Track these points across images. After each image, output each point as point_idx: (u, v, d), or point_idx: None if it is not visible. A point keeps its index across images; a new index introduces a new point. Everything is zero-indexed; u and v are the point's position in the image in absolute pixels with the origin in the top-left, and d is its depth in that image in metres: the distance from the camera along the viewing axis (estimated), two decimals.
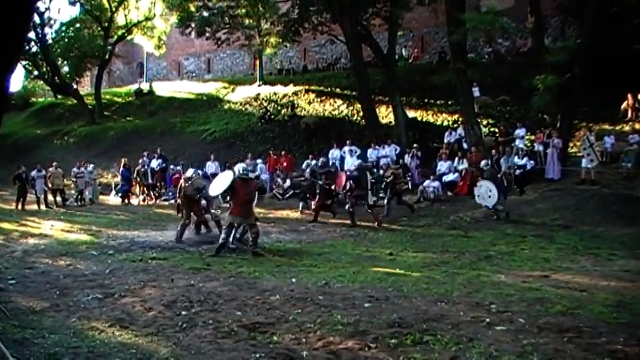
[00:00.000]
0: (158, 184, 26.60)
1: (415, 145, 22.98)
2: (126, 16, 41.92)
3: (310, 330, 6.89)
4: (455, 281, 9.35)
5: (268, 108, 32.89)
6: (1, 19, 3.40)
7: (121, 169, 25.51)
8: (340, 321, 7.17)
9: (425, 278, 9.67)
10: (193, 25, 34.69)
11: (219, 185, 13.66)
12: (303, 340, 6.56)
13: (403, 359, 5.78)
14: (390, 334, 6.55)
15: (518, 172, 19.43)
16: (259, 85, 37.81)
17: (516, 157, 20.24)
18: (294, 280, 9.97)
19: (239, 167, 13.48)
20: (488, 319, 6.93)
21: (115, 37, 42.71)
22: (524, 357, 5.72)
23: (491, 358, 5.72)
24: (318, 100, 32.73)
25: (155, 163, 26.61)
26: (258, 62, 39.20)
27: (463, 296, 8.20)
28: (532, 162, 20.22)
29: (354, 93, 29.91)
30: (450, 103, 26.82)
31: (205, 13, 34.29)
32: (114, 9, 40.75)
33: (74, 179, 25.45)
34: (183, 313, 7.92)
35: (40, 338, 6.86)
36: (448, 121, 26.23)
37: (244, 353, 6.16)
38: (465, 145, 22.28)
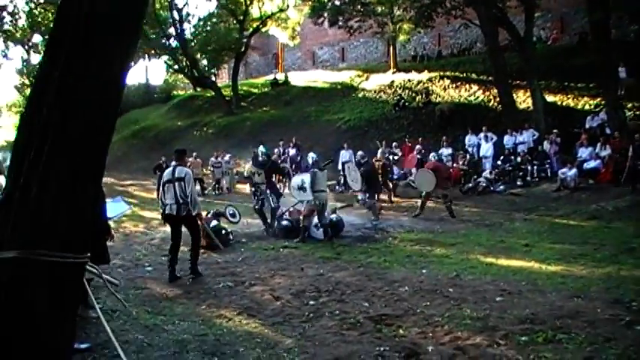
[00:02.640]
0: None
1: (554, 131, 22.10)
2: (260, 8, 42.49)
3: (438, 324, 6.75)
4: (593, 275, 8.87)
5: (402, 95, 32.56)
6: (119, 18, 3.47)
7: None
8: (469, 315, 6.98)
9: (561, 271, 9.26)
10: (326, 14, 34.90)
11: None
12: (430, 334, 6.43)
13: (533, 358, 5.52)
14: (521, 330, 6.29)
15: None
16: (393, 73, 37.44)
17: None
18: (424, 271, 9.83)
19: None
20: (627, 318, 6.49)
21: (250, 29, 43.39)
22: None
23: None
24: (453, 86, 31.95)
25: (291, 152, 27.06)
26: (391, 49, 38.89)
27: (601, 292, 7.75)
28: None
29: (490, 78, 29.03)
30: (591, 86, 25.51)
31: (337, 2, 34.40)
32: (248, 2, 41.43)
33: (212, 169, 26.37)
34: (311, 302, 7.96)
35: (170, 325, 7.09)
36: (590, 105, 24.92)
37: (368, 346, 6.10)
38: (607, 131, 21.19)
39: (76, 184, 3.37)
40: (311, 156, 15.73)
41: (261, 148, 16.80)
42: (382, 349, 5.98)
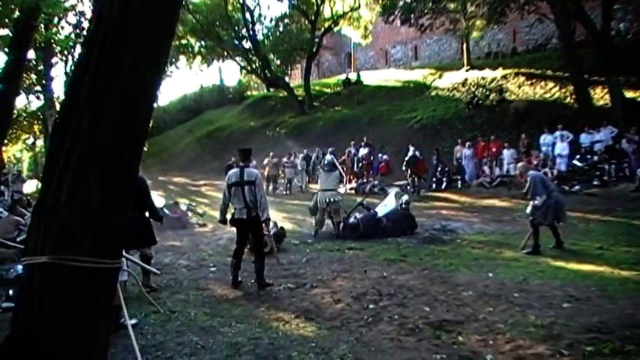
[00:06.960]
0: (365, 172, 26.97)
1: (633, 128, 21.27)
2: (332, 8, 42.85)
3: (499, 331, 6.53)
4: None
5: (476, 93, 32.01)
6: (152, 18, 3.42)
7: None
8: (533, 322, 6.73)
9: (634, 277, 8.84)
10: (397, 12, 34.61)
11: None
12: (490, 341, 6.23)
13: None
14: (587, 340, 6.00)
15: None
16: (467, 70, 36.89)
17: None
18: (490, 274, 9.59)
19: None
20: None
21: (322, 29, 43.78)
22: None
23: None
24: (528, 83, 31.12)
25: (362, 152, 26.98)
26: (465, 47, 38.32)
27: None
28: None
29: (566, 74, 28.19)
30: None
31: (409, 0, 34.02)
32: (320, 2, 41.73)
33: (284, 168, 26.63)
34: (371, 306, 7.88)
35: (226, 327, 7.11)
36: None
37: (425, 353, 5.97)
38: None
39: (106, 190, 3.34)
40: (329, 152, 15.58)
41: None
42: (439, 356, 5.85)
